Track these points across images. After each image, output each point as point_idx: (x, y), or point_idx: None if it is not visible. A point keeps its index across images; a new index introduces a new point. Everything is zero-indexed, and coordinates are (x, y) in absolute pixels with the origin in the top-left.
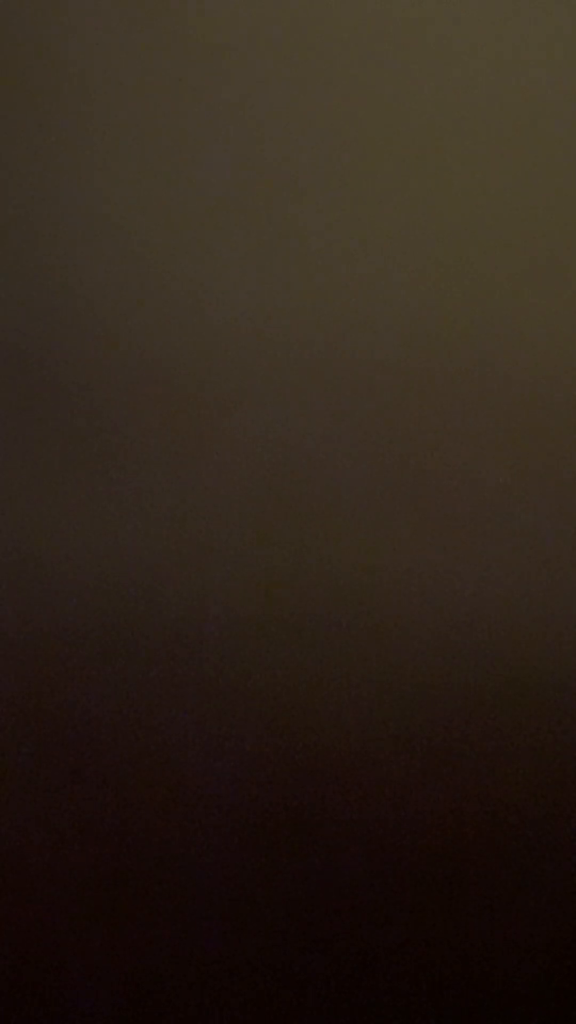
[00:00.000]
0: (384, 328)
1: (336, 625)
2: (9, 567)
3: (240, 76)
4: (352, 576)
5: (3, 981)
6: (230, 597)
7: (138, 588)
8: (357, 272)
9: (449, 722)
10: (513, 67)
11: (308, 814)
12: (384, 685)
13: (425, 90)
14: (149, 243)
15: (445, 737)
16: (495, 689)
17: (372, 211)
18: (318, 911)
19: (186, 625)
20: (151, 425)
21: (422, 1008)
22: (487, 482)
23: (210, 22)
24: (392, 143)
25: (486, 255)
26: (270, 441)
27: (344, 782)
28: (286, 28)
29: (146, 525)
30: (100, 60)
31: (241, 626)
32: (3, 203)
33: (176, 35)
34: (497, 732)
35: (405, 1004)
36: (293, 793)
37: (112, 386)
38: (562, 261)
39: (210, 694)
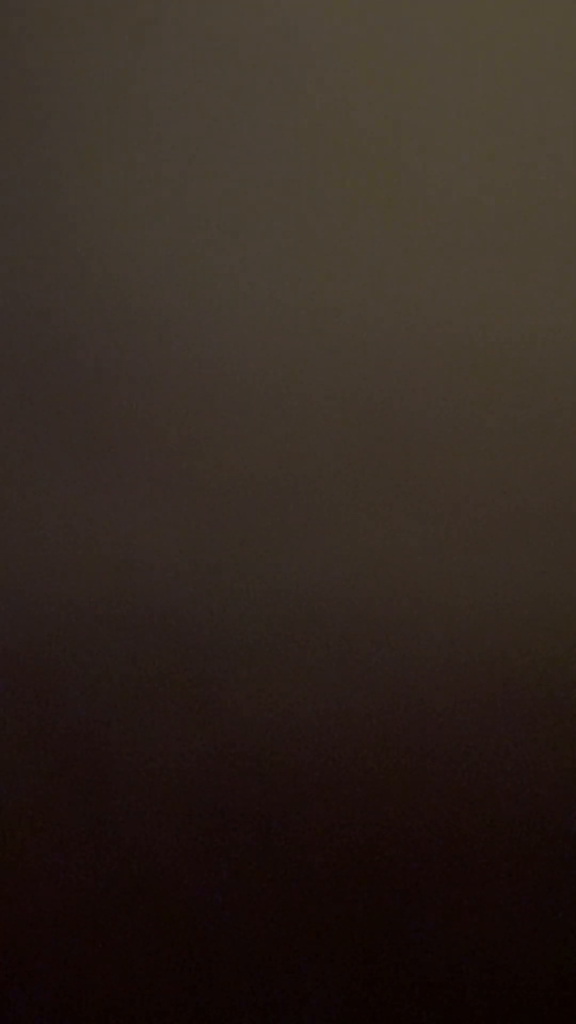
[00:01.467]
0: (385, 334)
1: (338, 628)
2: (9, 572)
3: (244, 76)
4: (353, 577)
5: (5, 985)
6: (232, 598)
7: (139, 590)
8: (357, 275)
9: (451, 727)
10: (511, 64)
11: (310, 820)
12: (386, 689)
13: (422, 93)
14: (151, 248)
15: (447, 742)
16: (496, 695)
17: (372, 215)
18: (316, 915)
19: (188, 626)
20: (152, 428)
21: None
22: (489, 488)
23: (212, 21)
24: (390, 144)
25: (486, 252)
26: (271, 444)
27: (345, 786)
28: (286, 26)
29: (147, 528)
30: (102, 58)
31: (243, 626)
32: (3, 204)
33: (178, 35)
34: (498, 736)
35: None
36: (295, 798)
37: (113, 390)
38: (561, 257)
39: (212, 695)
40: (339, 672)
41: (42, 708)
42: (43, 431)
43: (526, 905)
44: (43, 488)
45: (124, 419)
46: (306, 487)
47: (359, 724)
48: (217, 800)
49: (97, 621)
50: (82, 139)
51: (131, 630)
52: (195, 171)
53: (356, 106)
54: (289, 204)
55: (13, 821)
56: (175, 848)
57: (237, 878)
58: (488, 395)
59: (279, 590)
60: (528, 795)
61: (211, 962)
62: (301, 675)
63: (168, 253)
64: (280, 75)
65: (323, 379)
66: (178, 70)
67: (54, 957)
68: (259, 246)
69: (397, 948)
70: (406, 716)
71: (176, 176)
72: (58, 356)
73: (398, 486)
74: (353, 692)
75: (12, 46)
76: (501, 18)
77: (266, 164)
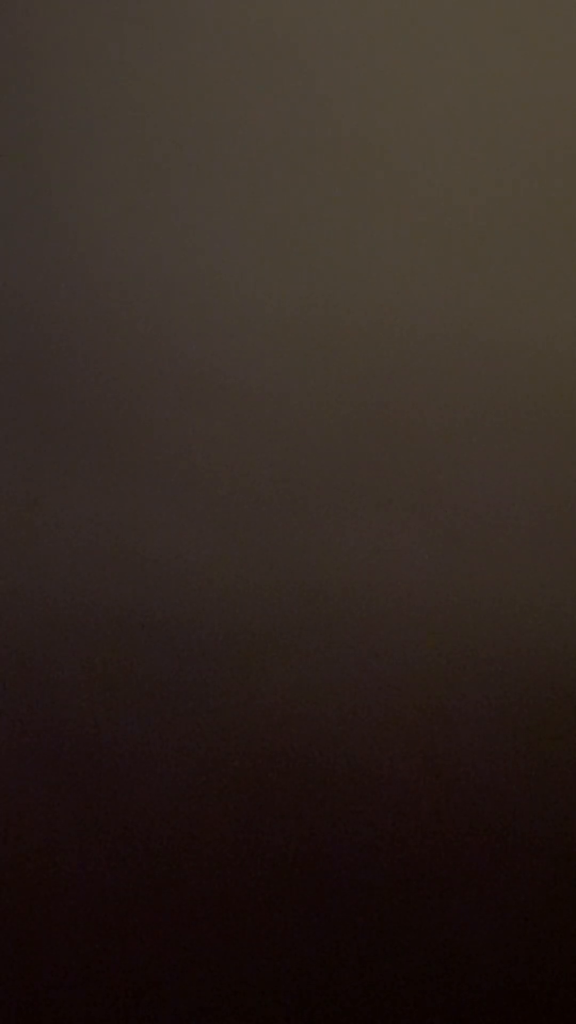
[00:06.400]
0: (386, 334)
1: (336, 627)
2: (11, 572)
3: (243, 75)
4: (351, 578)
5: (3, 982)
6: (233, 597)
7: (140, 589)
8: (358, 275)
9: (451, 726)
10: (512, 63)
11: (309, 819)
12: (385, 690)
13: (423, 92)
14: (152, 248)
15: (447, 740)
16: (496, 693)
17: (372, 215)
18: (322, 912)
19: (188, 625)
20: (153, 428)
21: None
22: (488, 488)
23: (212, 25)
24: (392, 144)
25: (487, 252)
26: (272, 444)
27: (346, 787)
28: (287, 28)
29: (149, 528)
30: (101, 51)
31: (244, 624)
32: (2, 200)
33: (177, 26)
34: (498, 734)
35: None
36: (294, 797)
37: (114, 390)
38: (562, 258)
39: (212, 695)
40: (340, 670)
41: (45, 708)
42: (44, 432)
43: (528, 900)
44: (45, 489)
45: (126, 420)
46: (307, 487)
47: (360, 722)
48: (220, 798)
49: (100, 621)
50: (77, 135)
51: (133, 629)
52: (195, 169)
53: (358, 106)
54: (289, 204)
55: (13, 821)
56: (177, 849)
57: (242, 878)
58: (488, 395)
59: (280, 589)
60: (528, 793)
61: (215, 962)
62: (303, 673)
63: (168, 252)
64: (281, 75)
65: (325, 379)
66: (177, 69)
67: (55, 958)
68: (259, 246)
69: (408, 943)
70: (407, 714)
71: (175, 175)
72: (59, 356)
73: (399, 485)
74: (354, 689)
75: (11, 46)
76: (502, 14)
77: (266, 164)
